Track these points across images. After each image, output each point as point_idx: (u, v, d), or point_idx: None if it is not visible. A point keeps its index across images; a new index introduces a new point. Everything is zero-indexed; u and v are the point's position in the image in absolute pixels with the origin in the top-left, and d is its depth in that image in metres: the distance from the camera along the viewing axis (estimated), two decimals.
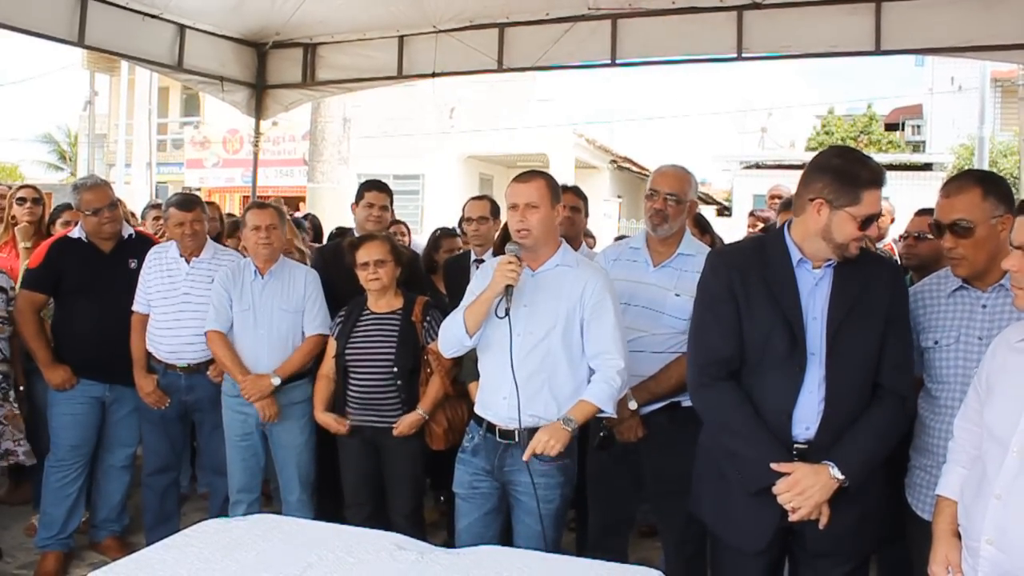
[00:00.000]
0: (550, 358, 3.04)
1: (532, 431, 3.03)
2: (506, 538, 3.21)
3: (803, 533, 2.60)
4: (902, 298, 2.65)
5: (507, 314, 2.98)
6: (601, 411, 3.01)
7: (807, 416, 2.55)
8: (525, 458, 2.94)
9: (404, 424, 3.82)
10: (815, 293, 2.58)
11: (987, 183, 2.64)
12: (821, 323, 2.55)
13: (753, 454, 2.55)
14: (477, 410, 3.24)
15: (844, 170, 2.49)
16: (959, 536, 2.21)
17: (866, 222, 2.48)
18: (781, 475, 2.50)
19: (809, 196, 2.52)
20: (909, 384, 2.61)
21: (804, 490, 2.47)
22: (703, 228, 4.79)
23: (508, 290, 2.96)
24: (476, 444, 3.20)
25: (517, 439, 3.05)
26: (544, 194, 3.05)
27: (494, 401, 3.11)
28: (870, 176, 2.48)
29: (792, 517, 2.51)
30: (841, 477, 2.47)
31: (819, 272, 2.59)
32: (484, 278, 3.18)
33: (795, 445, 2.55)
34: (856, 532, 2.61)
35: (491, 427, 3.14)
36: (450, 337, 3.18)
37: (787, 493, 2.49)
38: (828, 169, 2.51)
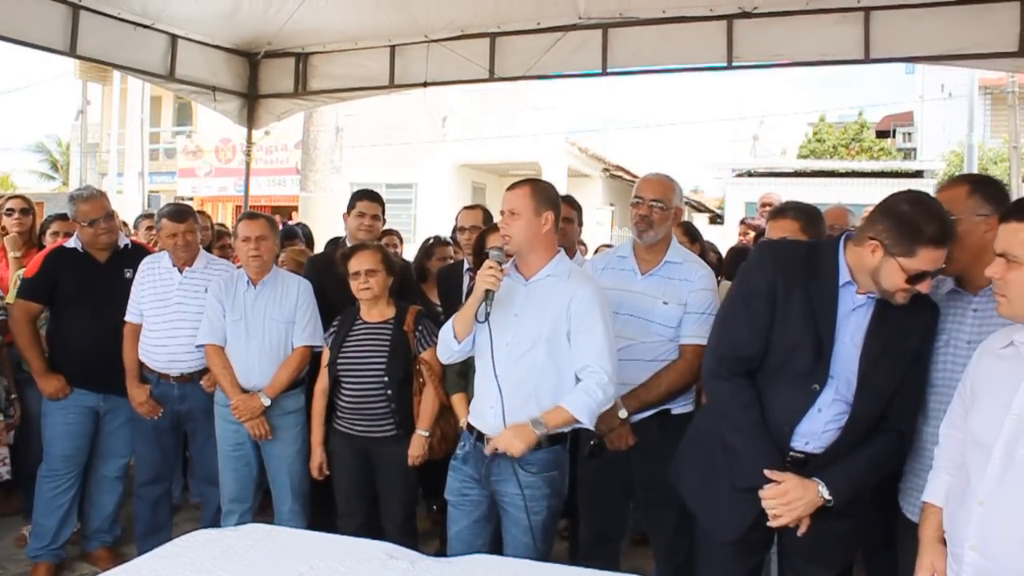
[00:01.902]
0: (537, 369, 3.03)
1: None
2: (497, 546, 3.21)
3: (784, 535, 2.66)
4: (931, 339, 2.62)
5: (487, 319, 2.98)
6: (578, 421, 2.97)
7: (809, 432, 2.58)
8: (487, 451, 2.97)
9: (413, 449, 3.83)
10: (850, 317, 2.56)
11: (975, 183, 2.64)
12: (851, 348, 2.55)
13: (750, 455, 2.59)
14: (470, 418, 3.25)
15: (908, 220, 2.40)
16: (945, 542, 2.22)
17: (916, 277, 2.41)
18: (770, 480, 2.55)
19: (869, 234, 2.48)
20: (913, 424, 2.62)
21: (791, 501, 2.53)
22: (692, 237, 4.80)
23: (488, 295, 2.95)
24: (467, 452, 3.21)
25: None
26: (526, 202, 3.04)
27: (483, 410, 3.12)
28: (933, 233, 2.37)
29: (771, 523, 2.56)
30: (828, 497, 2.51)
31: (861, 298, 2.56)
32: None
33: (791, 453, 2.59)
34: (839, 542, 2.67)
35: (481, 436, 3.14)
36: (443, 344, 3.21)
37: (773, 501, 2.54)
38: (893, 214, 2.44)
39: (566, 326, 3.02)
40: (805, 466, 2.57)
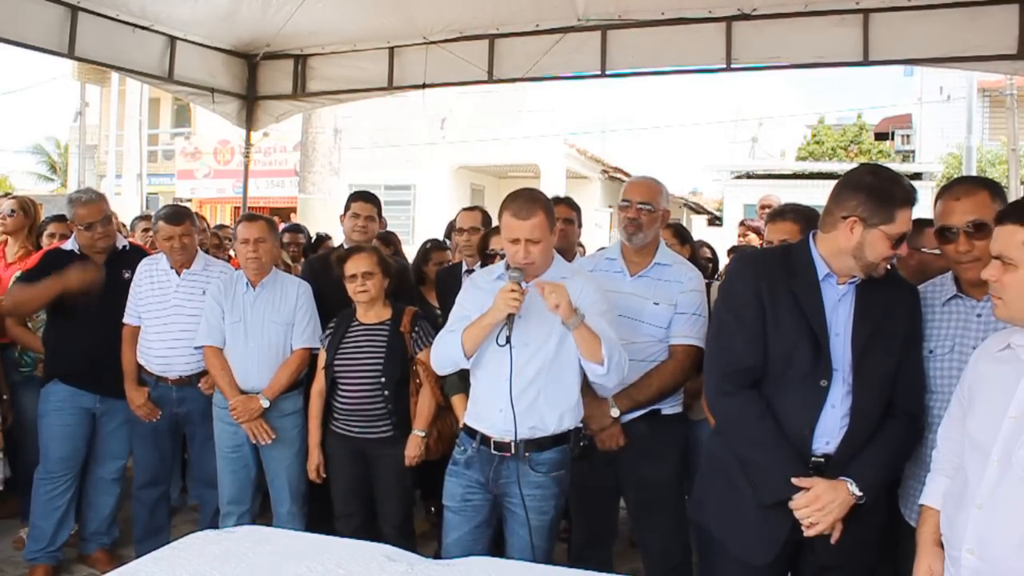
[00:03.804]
0: (545, 369, 3.04)
1: (528, 443, 3.04)
2: (493, 551, 3.20)
3: (812, 546, 2.59)
4: (919, 319, 2.66)
5: (508, 342, 2.96)
6: (599, 360, 2.90)
7: (828, 431, 2.55)
8: (549, 304, 2.86)
9: (409, 450, 3.82)
10: (838, 309, 2.57)
11: (992, 186, 2.66)
12: (844, 339, 2.55)
13: (773, 467, 2.54)
14: (470, 422, 3.22)
15: (879, 188, 2.47)
16: (942, 545, 2.22)
17: (898, 241, 2.49)
18: (798, 489, 2.49)
19: (842, 214, 2.50)
20: (921, 405, 2.62)
21: (824, 506, 2.47)
22: (683, 238, 4.81)
23: (510, 318, 2.94)
24: (469, 457, 3.18)
25: (513, 452, 3.06)
26: (545, 227, 3.02)
27: (489, 414, 3.10)
28: (903, 195, 2.47)
29: (808, 532, 2.50)
30: (859, 494, 2.47)
31: (843, 288, 2.58)
32: (475, 291, 3.19)
33: (812, 459, 2.55)
34: (865, 545, 2.62)
35: (485, 439, 3.13)
36: (445, 358, 3.16)
37: (806, 508, 2.48)
38: (862, 187, 2.49)
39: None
40: (826, 468, 2.53)
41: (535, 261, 3.04)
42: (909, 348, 2.59)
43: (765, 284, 2.60)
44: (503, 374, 3.01)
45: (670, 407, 3.49)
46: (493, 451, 3.11)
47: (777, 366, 2.57)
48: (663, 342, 3.41)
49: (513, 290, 2.92)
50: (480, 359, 3.12)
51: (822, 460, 2.54)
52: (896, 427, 2.56)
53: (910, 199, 2.48)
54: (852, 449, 2.53)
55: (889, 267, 2.62)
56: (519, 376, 3.00)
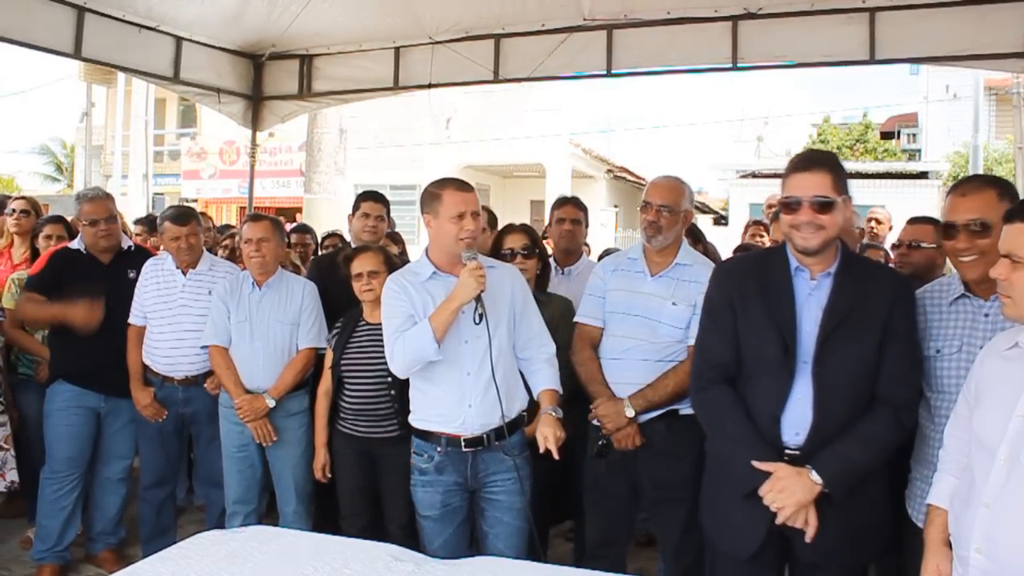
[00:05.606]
0: (503, 355, 3.17)
1: (498, 431, 3.14)
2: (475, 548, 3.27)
3: (795, 543, 2.60)
4: (905, 310, 2.63)
5: (483, 319, 3.05)
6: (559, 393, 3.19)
7: (797, 422, 2.57)
8: (542, 449, 3.00)
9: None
10: (809, 301, 2.61)
11: (1002, 185, 2.65)
12: (813, 332, 2.57)
13: (743, 456, 2.58)
14: (428, 427, 3.23)
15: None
16: (950, 545, 2.22)
17: (780, 210, 2.67)
18: (769, 476, 2.53)
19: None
20: (905, 396, 2.60)
21: (784, 488, 2.49)
22: (695, 237, 4.80)
23: (479, 296, 3.03)
24: (439, 462, 3.20)
25: (487, 444, 3.13)
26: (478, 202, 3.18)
27: (456, 413, 3.14)
28: (789, 168, 2.70)
29: (778, 519, 2.53)
30: (819, 481, 2.48)
31: (815, 281, 2.61)
32: (407, 294, 3.19)
33: (786, 451, 2.57)
34: (851, 544, 2.62)
35: (452, 440, 3.16)
36: (413, 354, 3.11)
37: (771, 494, 2.51)
38: None
39: (513, 308, 3.22)
40: (800, 461, 2.55)
41: (478, 236, 3.15)
42: (890, 339, 2.58)
43: (736, 284, 2.72)
44: (468, 368, 3.12)
45: (688, 407, 3.47)
46: (465, 449, 3.15)
47: (749, 361, 2.66)
48: (681, 343, 3.39)
49: (478, 267, 3.02)
50: (449, 355, 3.13)
51: (797, 453, 2.57)
52: (871, 419, 2.56)
53: (790, 168, 2.68)
54: (821, 440, 2.55)
55: (884, 259, 2.64)
56: (482, 367, 3.10)
